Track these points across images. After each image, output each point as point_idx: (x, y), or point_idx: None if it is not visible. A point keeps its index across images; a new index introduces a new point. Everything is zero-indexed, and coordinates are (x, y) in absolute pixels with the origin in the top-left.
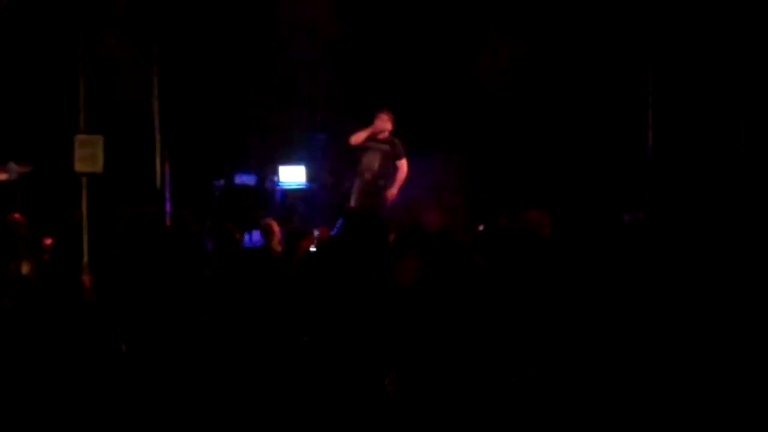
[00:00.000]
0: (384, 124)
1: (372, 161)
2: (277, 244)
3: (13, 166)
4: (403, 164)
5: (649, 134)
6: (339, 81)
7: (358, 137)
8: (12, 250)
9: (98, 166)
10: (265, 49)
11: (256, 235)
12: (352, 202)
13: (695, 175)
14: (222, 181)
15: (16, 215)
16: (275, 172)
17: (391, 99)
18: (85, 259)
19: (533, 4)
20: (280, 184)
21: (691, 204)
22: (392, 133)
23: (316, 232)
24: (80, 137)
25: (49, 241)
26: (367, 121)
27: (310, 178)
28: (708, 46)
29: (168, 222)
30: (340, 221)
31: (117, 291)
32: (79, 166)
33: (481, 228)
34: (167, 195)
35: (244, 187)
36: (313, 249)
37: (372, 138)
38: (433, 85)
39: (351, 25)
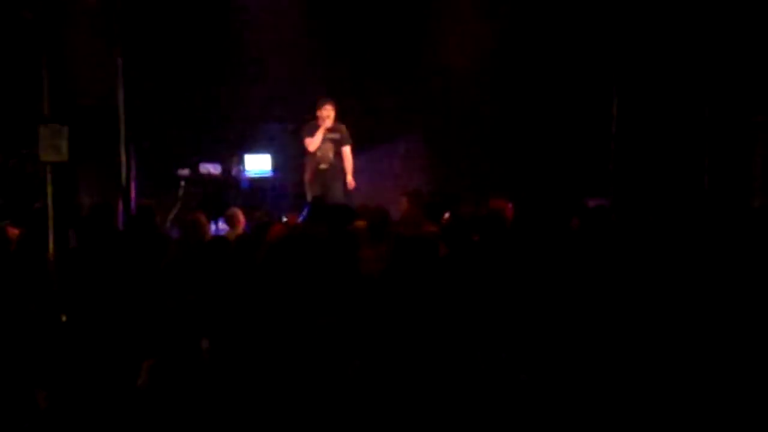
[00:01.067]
0: (328, 115)
1: (326, 151)
2: (243, 233)
3: None
4: (346, 150)
5: (613, 123)
6: (304, 67)
7: (314, 142)
8: None
9: (63, 156)
10: (229, 37)
11: (222, 223)
12: (307, 191)
13: (659, 162)
14: (187, 170)
15: None
16: (240, 161)
17: (357, 84)
18: (51, 249)
19: None
20: (245, 172)
21: (655, 191)
22: (338, 120)
23: (284, 219)
24: (44, 127)
25: (15, 232)
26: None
27: (276, 166)
28: (672, 34)
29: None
30: (306, 209)
31: (74, 281)
32: (43, 156)
33: (446, 216)
34: (133, 185)
35: (209, 176)
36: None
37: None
38: (398, 71)
39: (315, 10)
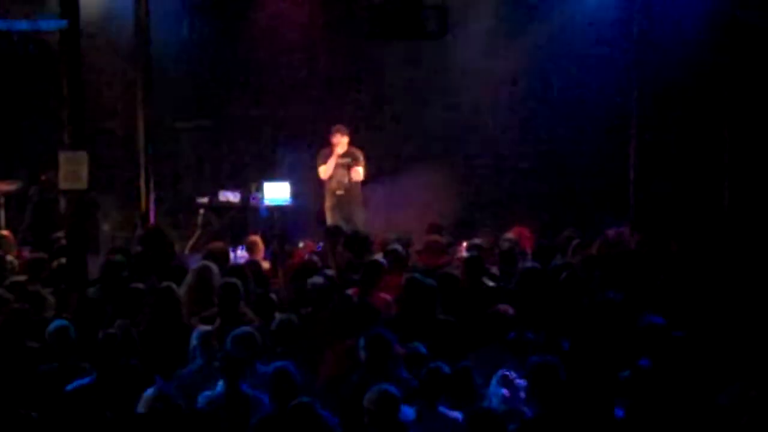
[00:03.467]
0: (340, 141)
1: (341, 178)
2: (262, 260)
3: None
4: (358, 170)
5: (632, 152)
6: (324, 96)
7: (327, 170)
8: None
9: (83, 183)
10: (250, 64)
11: (241, 251)
12: (328, 219)
13: (678, 190)
14: (206, 198)
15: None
16: (260, 189)
17: (377, 114)
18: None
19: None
20: (264, 200)
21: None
22: (352, 144)
23: (301, 244)
24: (65, 154)
25: (26, 254)
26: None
27: (294, 194)
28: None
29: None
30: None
31: None
32: (63, 184)
33: (464, 245)
34: (152, 213)
35: (228, 204)
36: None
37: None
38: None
39: (336, 40)
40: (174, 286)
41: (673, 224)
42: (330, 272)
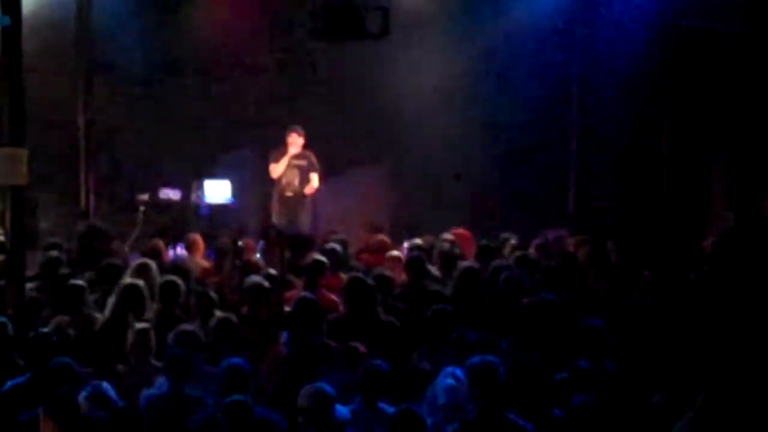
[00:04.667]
0: (295, 142)
1: (292, 179)
2: (201, 259)
3: None
4: (314, 178)
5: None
6: (269, 93)
7: (277, 169)
8: None
9: (23, 179)
10: (193, 58)
11: (180, 249)
12: (274, 218)
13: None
14: (146, 196)
15: None
16: (200, 187)
17: (320, 110)
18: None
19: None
20: (205, 198)
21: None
22: (306, 146)
23: (240, 244)
24: (4, 150)
25: None
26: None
27: (235, 193)
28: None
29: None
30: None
31: None
32: (3, 179)
33: (406, 245)
34: (91, 210)
35: (169, 202)
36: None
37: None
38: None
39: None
40: (141, 283)
41: (612, 228)
42: (271, 272)
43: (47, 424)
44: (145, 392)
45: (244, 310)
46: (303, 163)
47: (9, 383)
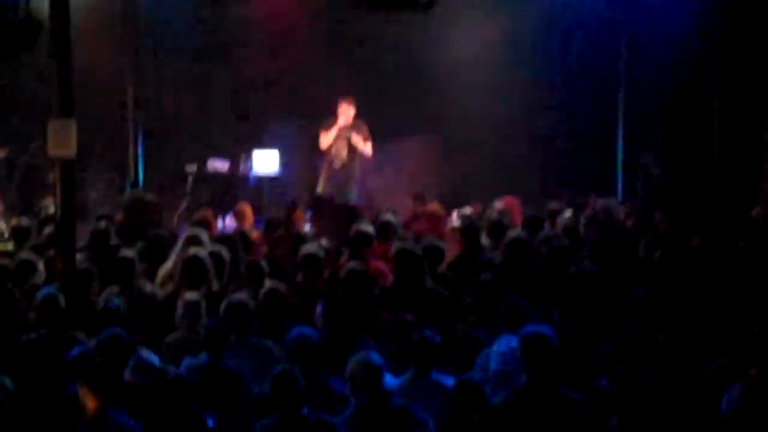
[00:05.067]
0: (347, 113)
1: (340, 150)
2: (250, 229)
3: None
4: (366, 147)
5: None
6: (316, 64)
7: (328, 140)
8: None
9: (72, 150)
10: (241, 32)
11: (230, 220)
12: (321, 189)
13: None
14: (194, 166)
15: None
16: (249, 158)
17: (367, 82)
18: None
19: None
20: (253, 169)
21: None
22: (357, 117)
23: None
24: (53, 122)
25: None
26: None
27: (284, 163)
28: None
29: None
30: (310, 209)
31: None
32: (52, 150)
33: (454, 215)
34: (140, 179)
35: (217, 173)
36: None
37: None
38: (409, 68)
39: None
40: (203, 254)
41: (662, 197)
42: (322, 242)
43: (85, 393)
44: (186, 361)
45: (299, 279)
46: (352, 134)
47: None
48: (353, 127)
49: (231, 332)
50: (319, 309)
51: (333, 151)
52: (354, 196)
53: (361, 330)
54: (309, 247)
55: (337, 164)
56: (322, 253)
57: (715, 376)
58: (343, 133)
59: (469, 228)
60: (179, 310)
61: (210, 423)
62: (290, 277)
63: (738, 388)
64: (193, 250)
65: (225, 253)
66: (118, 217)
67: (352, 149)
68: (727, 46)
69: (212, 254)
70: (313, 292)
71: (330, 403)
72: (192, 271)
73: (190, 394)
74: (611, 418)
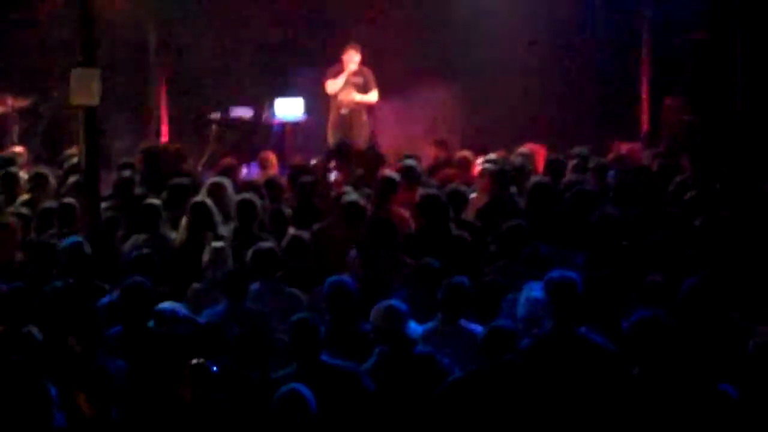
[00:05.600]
0: (352, 59)
1: (347, 95)
2: (276, 176)
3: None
4: (372, 93)
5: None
6: (337, 11)
7: (335, 85)
8: None
9: (95, 99)
10: None
11: (254, 167)
12: (330, 137)
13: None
14: (218, 114)
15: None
16: (272, 105)
17: (386, 32)
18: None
19: None
20: (277, 116)
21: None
22: (363, 63)
23: (312, 162)
24: (76, 71)
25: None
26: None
27: (308, 110)
28: None
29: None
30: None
31: None
32: (74, 99)
33: (478, 162)
34: (164, 128)
35: (241, 120)
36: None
37: None
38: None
39: None
40: (209, 201)
41: (687, 142)
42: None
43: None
44: (207, 310)
45: (339, 227)
46: (359, 80)
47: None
48: (360, 73)
49: (258, 278)
50: (352, 255)
51: (340, 96)
52: (364, 142)
53: (389, 277)
54: (352, 195)
55: (345, 110)
56: (363, 201)
57: (741, 320)
58: (351, 79)
59: (500, 173)
60: (205, 258)
61: (214, 369)
62: (322, 224)
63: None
64: (199, 198)
65: (254, 199)
66: (140, 166)
67: (361, 95)
68: None
69: (241, 202)
70: (351, 239)
71: (366, 350)
72: (196, 218)
73: (212, 342)
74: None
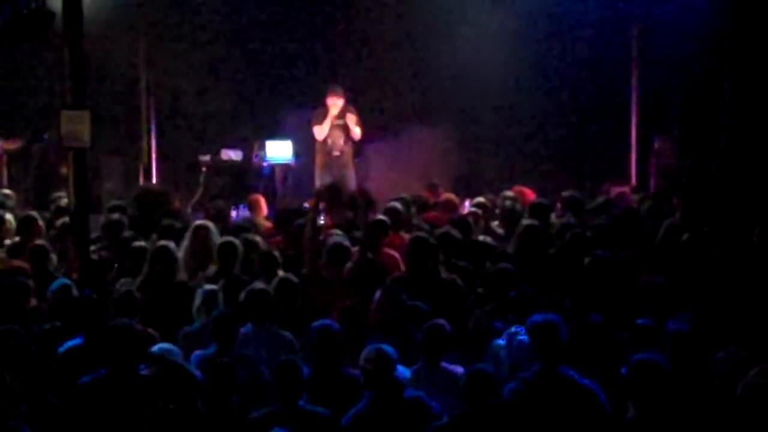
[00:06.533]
0: (335, 103)
1: (336, 138)
2: (263, 219)
3: None
4: (356, 130)
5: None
6: (325, 55)
7: (322, 131)
8: None
9: (86, 141)
10: (250, 23)
11: (243, 210)
12: (317, 179)
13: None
14: (208, 157)
15: None
16: (262, 147)
17: (377, 72)
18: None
19: None
20: (267, 159)
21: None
22: (346, 103)
23: (305, 206)
24: (66, 113)
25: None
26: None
27: (297, 152)
28: None
29: None
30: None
31: None
32: (66, 141)
33: (466, 204)
34: (155, 172)
35: (231, 162)
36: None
37: None
38: (422, 61)
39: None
40: (171, 245)
41: (676, 185)
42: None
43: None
44: (196, 353)
45: (325, 269)
46: (342, 122)
47: (64, 345)
48: (342, 114)
49: (249, 321)
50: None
51: (330, 140)
52: (353, 183)
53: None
54: (336, 238)
55: (336, 152)
56: (348, 243)
57: (728, 362)
58: (336, 121)
59: (511, 213)
60: (197, 300)
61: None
62: (312, 268)
63: (754, 374)
64: (162, 242)
65: (236, 242)
66: (130, 208)
67: (347, 136)
68: (740, 31)
69: (223, 244)
70: (337, 282)
71: (352, 395)
72: (160, 262)
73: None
74: (628, 406)
